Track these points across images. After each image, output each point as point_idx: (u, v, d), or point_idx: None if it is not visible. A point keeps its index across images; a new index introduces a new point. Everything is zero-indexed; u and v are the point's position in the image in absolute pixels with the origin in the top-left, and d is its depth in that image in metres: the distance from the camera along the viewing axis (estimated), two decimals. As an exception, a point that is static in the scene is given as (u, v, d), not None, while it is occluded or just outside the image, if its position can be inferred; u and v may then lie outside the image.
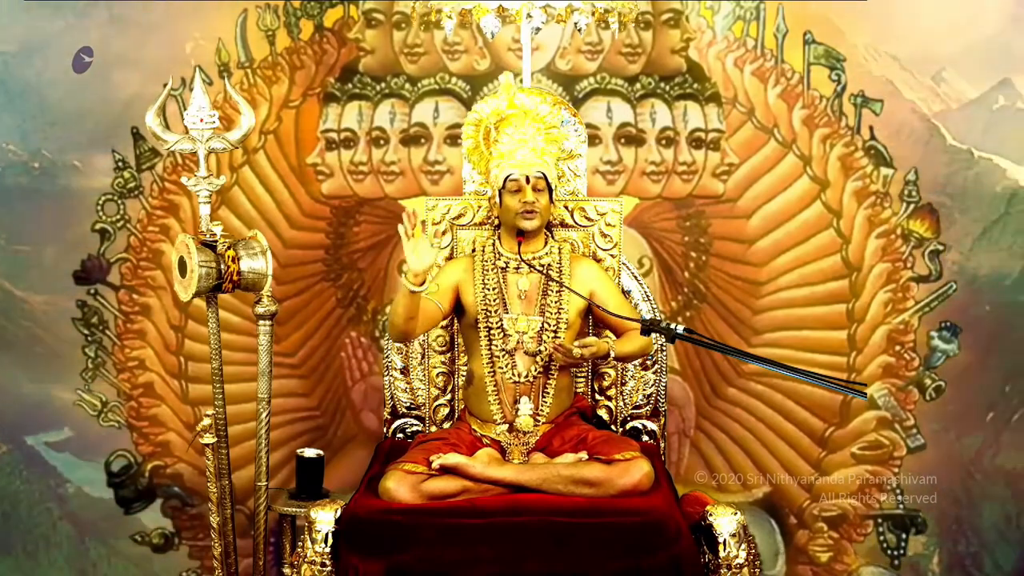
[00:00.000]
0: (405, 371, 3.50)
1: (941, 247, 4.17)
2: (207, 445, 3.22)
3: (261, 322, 3.25)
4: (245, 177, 4.25)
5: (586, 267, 3.28)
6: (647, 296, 3.49)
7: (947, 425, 4.22)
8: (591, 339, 3.19)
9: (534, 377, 3.17)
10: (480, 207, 3.44)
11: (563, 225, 3.43)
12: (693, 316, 4.27)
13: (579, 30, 3.44)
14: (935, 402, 4.22)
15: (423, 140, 4.25)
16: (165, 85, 3.33)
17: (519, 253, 3.19)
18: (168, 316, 4.28)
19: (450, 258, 3.44)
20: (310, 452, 3.69)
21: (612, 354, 3.11)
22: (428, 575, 2.86)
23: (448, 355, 3.47)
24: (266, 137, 4.23)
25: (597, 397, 3.47)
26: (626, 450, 3.04)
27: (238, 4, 4.16)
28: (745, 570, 2.93)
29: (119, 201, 4.23)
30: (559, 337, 3.17)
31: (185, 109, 3.14)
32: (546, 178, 3.16)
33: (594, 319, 3.37)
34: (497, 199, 3.19)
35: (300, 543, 3.02)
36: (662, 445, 3.49)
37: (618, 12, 3.42)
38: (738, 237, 4.25)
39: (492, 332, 3.17)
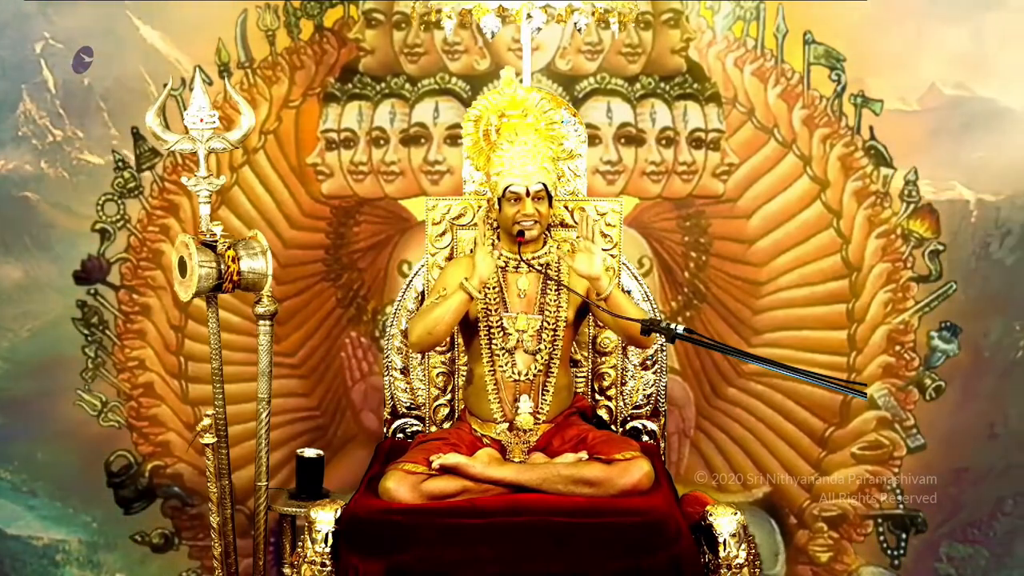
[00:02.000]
0: (405, 371, 3.50)
1: (941, 247, 4.17)
2: (207, 445, 3.22)
3: (261, 322, 3.25)
4: (245, 177, 4.25)
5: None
6: (647, 296, 3.49)
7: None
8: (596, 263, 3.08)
9: (534, 375, 3.17)
10: (480, 207, 3.43)
11: (563, 225, 3.43)
12: (693, 316, 4.27)
13: (579, 30, 3.44)
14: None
15: (423, 140, 4.25)
16: (165, 85, 3.33)
17: (519, 254, 3.19)
18: (168, 316, 4.28)
19: (450, 258, 3.44)
20: (310, 452, 3.69)
21: (606, 292, 3.06)
22: (428, 575, 2.86)
23: (448, 355, 3.47)
24: (266, 137, 4.24)
25: (597, 397, 3.47)
26: (626, 450, 3.04)
27: (238, 4, 4.16)
28: (745, 570, 2.93)
29: (119, 201, 4.23)
30: (559, 337, 3.17)
31: (185, 109, 3.14)
32: (546, 187, 3.15)
33: (594, 317, 3.38)
34: (497, 205, 3.19)
35: (300, 543, 3.02)
36: (662, 445, 3.49)
37: (618, 12, 3.42)
38: (738, 237, 4.25)
39: (492, 331, 3.18)
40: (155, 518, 4.33)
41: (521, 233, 3.16)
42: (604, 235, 3.44)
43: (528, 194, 3.13)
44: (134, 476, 4.32)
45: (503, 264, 3.24)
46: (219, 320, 3.26)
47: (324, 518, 2.95)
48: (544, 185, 3.15)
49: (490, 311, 3.19)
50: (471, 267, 3.16)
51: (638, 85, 4.21)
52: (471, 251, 3.37)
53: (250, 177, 4.25)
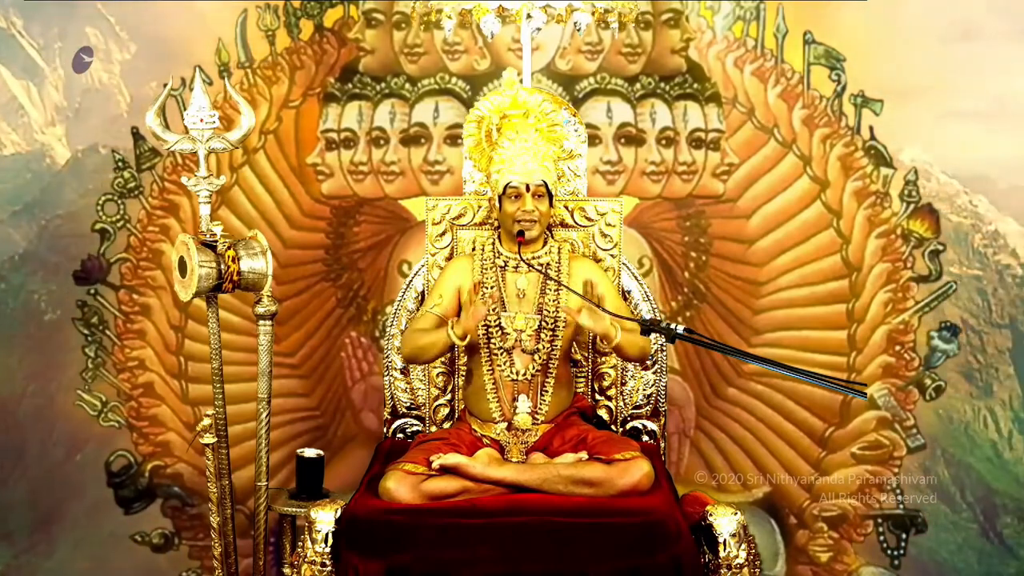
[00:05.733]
0: (405, 371, 3.50)
1: (941, 247, 4.17)
2: (207, 445, 3.22)
3: (261, 322, 3.25)
4: (245, 177, 4.25)
5: (584, 267, 3.28)
6: (647, 296, 3.49)
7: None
8: (602, 315, 3.06)
9: (532, 375, 3.17)
10: (480, 207, 3.44)
11: (563, 225, 3.43)
12: (693, 316, 4.27)
13: (579, 30, 3.44)
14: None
15: (423, 140, 4.25)
16: (165, 85, 3.33)
17: (519, 253, 3.19)
18: (168, 316, 4.28)
19: (450, 258, 3.44)
20: (310, 452, 3.68)
21: (615, 340, 3.06)
22: (428, 575, 2.86)
23: (448, 355, 3.47)
24: (266, 137, 4.24)
25: (597, 397, 3.47)
26: (626, 450, 3.04)
27: (238, 4, 4.16)
28: (745, 570, 2.93)
29: (119, 201, 4.23)
30: (557, 337, 3.17)
31: (185, 109, 3.14)
32: (546, 185, 3.16)
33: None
34: (497, 203, 3.19)
35: (300, 543, 3.01)
36: (662, 445, 3.49)
37: (618, 12, 3.42)
38: (738, 237, 4.25)
39: (491, 330, 3.18)
40: (155, 518, 4.33)
41: (521, 233, 3.16)
42: (604, 235, 3.44)
43: (528, 190, 3.13)
44: (134, 476, 4.32)
45: (503, 264, 3.24)
46: (219, 320, 3.26)
47: (324, 518, 2.95)
48: (544, 183, 3.15)
49: (488, 310, 3.18)
50: (467, 268, 3.21)
51: (638, 85, 4.21)
52: (471, 250, 3.37)
53: (250, 177, 4.25)
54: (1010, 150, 4.12)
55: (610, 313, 3.09)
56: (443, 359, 3.46)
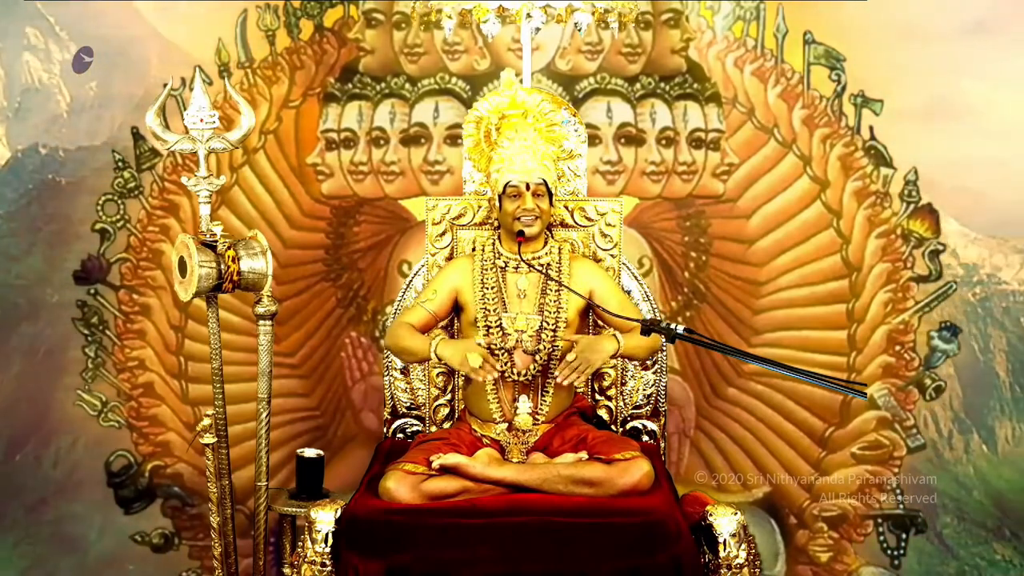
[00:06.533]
0: (405, 371, 3.50)
1: (941, 247, 4.17)
2: (207, 445, 3.22)
3: (261, 322, 3.25)
4: (245, 177, 4.25)
5: (585, 267, 3.28)
6: (647, 296, 3.49)
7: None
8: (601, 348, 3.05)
9: (533, 376, 3.17)
10: (480, 207, 3.44)
11: (563, 225, 3.43)
12: (693, 316, 4.27)
13: (579, 30, 3.44)
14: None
15: (423, 140, 4.25)
16: (165, 85, 3.33)
17: (519, 253, 3.19)
18: (168, 316, 4.28)
19: (450, 258, 3.44)
20: (310, 452, 3.68)
21: (620, 351, 3.08)
22: (428, 575, 2.86)
23: (448, 355, 3.47)
24: (266, 137, 4.24)
25: (597, 397, 3.47)
26: (626, 450, 3.04)
27: (238, 4, 4.16)
28: (745, 570, 2.93)
29: (119, 201, 4.23)
30: (558, 336, 3.17)
31: (185, 109, 3.14)
32: (546, 183, 3.16)
33: (595, 318, 3.38)
34: (497, 203, 3.20)
35: (300, 543, 3.01)
36: (662, 445, 3.49)
37: (618, 12, 3.42)
38: (738, 237, 4.25)
39: (491, 330, 3.18)
40: (155, 518, 4.33)
41: (521, 233, 3.16)
42: (604, 235, 3.44)
43: (528, 189, 3.13)
44: (134, 476, 4.32)
45: (503, 264, 3.24)
46: (219, 320, 3.26)
47: (324, 518, 2.94)
48: (544, 181, 3.15)
49: (489, 310, 3.19)
50: (467, 268, 3.23)
51: (638, 85, 4.21)
52: (472, 250, 3.37)
53: (250, 177, 4.25)
54: (953, 151, 4.12)
55: (612, 314, 3.09)
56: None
